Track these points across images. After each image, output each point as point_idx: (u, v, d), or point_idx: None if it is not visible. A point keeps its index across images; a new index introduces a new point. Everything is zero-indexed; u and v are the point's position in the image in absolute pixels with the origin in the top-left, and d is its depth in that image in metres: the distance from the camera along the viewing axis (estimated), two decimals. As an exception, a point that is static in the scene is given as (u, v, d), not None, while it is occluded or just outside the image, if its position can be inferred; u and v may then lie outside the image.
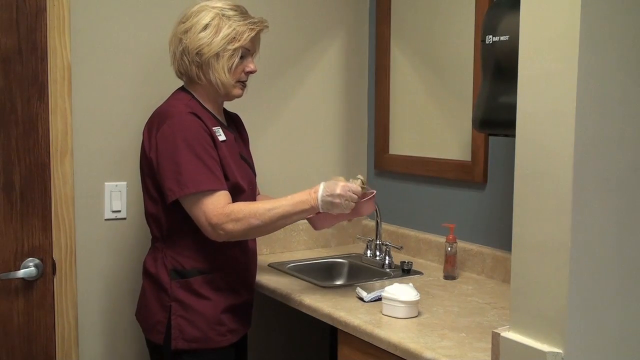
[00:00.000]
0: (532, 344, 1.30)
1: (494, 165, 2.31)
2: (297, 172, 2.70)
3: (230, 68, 1.94)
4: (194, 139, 1.86)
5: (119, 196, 2.29)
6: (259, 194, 2.23)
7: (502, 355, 1.36)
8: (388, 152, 2.77)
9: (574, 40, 1.21)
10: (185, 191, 1.84)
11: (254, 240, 2.10)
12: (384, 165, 2.78)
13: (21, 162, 2.11)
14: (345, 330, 1.86)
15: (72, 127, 2.18)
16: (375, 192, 1.98)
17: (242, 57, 1.96)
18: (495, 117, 1.89)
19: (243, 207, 1.85)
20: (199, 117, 1.91)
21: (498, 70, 1.86)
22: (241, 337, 2.05)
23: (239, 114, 2.22)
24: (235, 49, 1.93)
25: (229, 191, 1.91)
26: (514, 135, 1.35)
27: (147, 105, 2.23)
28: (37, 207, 2.14)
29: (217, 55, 1.92)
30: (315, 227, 1.97)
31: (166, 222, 1.95)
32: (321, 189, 1.85)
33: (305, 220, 1.98)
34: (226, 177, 1.92)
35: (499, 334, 1.37)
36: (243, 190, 1.99)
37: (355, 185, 1.89)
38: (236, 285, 2.01)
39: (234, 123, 2.17)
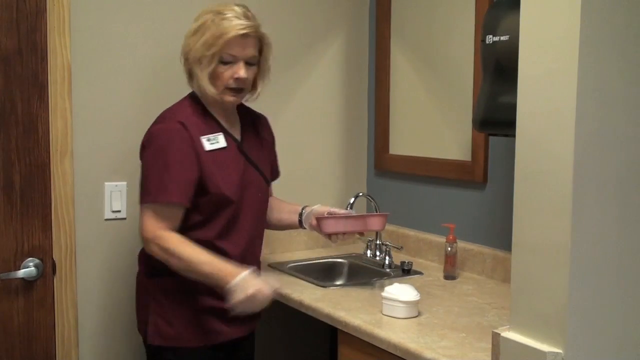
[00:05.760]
0: (532, 344, 1.30)
1: (494, 165, 2.31)
2: (297, 172, 2.69)
3: (211, 75, 1.86)
4: (165, 149, 1.83)
5: (119, 196, 2.29)
6: (271, 195, 2.20)
7: (502, 355, 1.36)
8: (388, 152, 2.77)
9: (574, 40, 1.21)
10: (142, 200, 1.87)
11: (237, 247, 1.95)
12: (384, 165, 2.78)
13: (21, 162, 2.11)
14: (345, 330, 1.86)
15: (72, 127, 2.18)
16: (389, 213, 2.24)
17: (228, 63, 1.86)
18: (495, 117, 1.89)
19: (174, 243, 1.81)
20: (186, 127, 1.85)
21: (498, 70, 1.86)
22: (230, 339, 1.99)
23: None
24: (212, 55, 1.83)
25: (210, 203, 1.87)
26: (514, 135, 1.35)
27: (147, 105, 2.23)
28: (37, 207, 2.14)
29: (199, 61, 1.86)
30: (322, 231, 2.08)
31: None
32: (240, 277, 1.75)
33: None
34: (207, 190, 1.86)
35: (499, 334, 1.37)
36: (230, 202, 1.90)
37: (273, 286, 1.80)
38: (214, 289, 1.84)
39: (252, 125, 2.09)
